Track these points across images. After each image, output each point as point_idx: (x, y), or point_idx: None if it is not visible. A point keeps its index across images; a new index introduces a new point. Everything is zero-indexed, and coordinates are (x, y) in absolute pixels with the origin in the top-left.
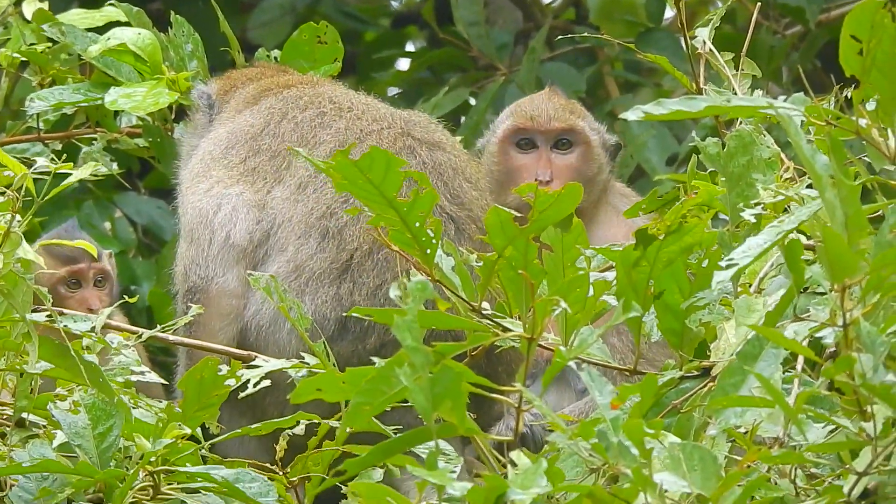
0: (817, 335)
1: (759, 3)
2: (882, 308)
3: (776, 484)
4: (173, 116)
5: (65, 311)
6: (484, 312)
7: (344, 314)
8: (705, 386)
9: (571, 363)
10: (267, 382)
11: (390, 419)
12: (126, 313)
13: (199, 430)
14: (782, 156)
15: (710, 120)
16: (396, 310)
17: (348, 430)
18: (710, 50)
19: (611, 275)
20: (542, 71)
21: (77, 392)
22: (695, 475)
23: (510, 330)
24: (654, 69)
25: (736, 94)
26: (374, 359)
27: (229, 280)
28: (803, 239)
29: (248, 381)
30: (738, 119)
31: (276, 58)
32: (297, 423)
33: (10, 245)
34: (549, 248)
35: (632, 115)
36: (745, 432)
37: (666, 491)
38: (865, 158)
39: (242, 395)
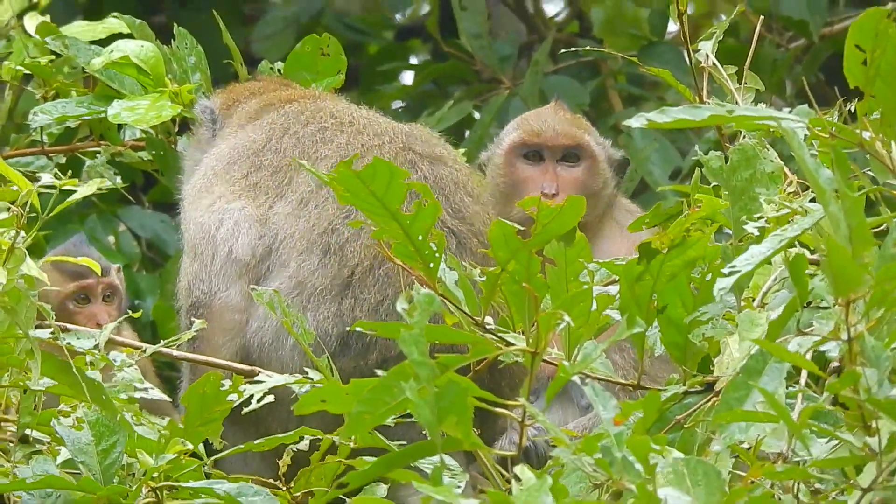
0: (821, 349)
1: (762, 17)
2: (886, 322)
3: (780, 500)
4: (177, 129)
5: (70, 326)
6: (487, 327)
7: (346, 330)
8: (709, 401)
9: (575, 378)
10: (270, 398)
11: (394, 435)
12: (132, 328)
13: (201, 446)
14: (785, 169)
15: (714, 134)
16: (402, 324)
17: (352, 446)
18: (713, 63)
19: (614, 289)
20: (546, 84)
21: (80, 408)
22: (699, 491)
23: (513, 344)
24: (658, 83)
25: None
26: (378, 371)
27: (232, 295)
28: (807, 253)
29: (251, 396)
30: (741, 133)
31: (279, 70)
32: (301, 438)
33: (14, 261)
34: (552, 261)
35: (635, 122)
36: (749, 448)
37: None
38: (869, 172)
39: (246, 410)
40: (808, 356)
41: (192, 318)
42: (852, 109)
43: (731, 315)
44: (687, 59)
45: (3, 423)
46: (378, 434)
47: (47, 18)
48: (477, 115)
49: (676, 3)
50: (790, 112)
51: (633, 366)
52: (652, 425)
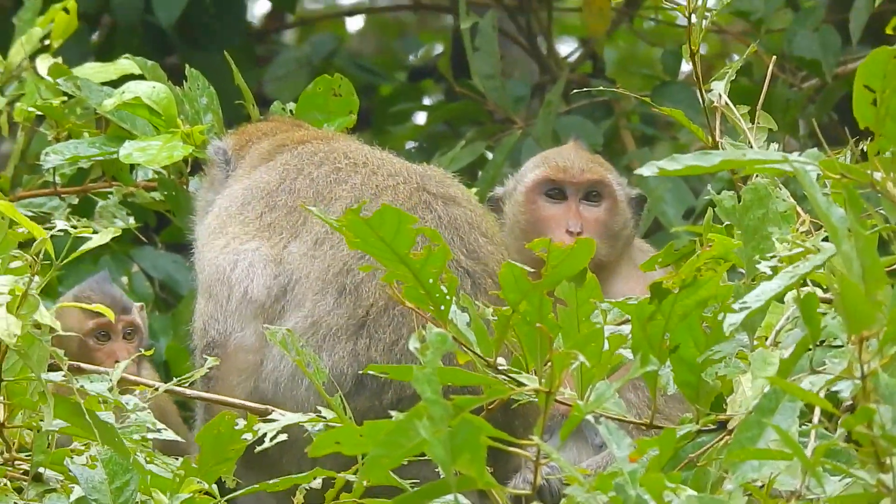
0: (833, 388)
1: (774, 57)
2: None
3: None
4: (189, 170)
5: (85, 366)
6: (500, 368)
7: (360, 371)
8: (722, 439)
9: (588, 417)
10: (284, 437)
11: (407, 473)
12: (153, 366)
13: (215, 485)
14: (798, 209)
15: (727, 173)
16: (414, 366)
17: (365, 484)
18: (726, 103)
19: (626, 329)
20: (559, 124)
21: (94, 447)
22: None
23: (526, 385)
24: (671, 122)
25: (752, 147)
26: (393, 412)
27: (247, 335)
28: (819, 292)
29: (264, 435)
30: (754, 173)
31: (291, 111)
32: (314, 478)
33: (27, 308)
34: (563, 302)
35: (647, 170)
36: (762, 486)
37: None
38: (881, 211)
39: (259, 448)
40: (821, 395)
41: (207, 359)
42: (864, 149)
43: (743, 354)
44: (700, 99)
45: (16, 462)
46: (392, 473)
47: (59, 60)
48: (490, 156)
49: (689, 44)
50: (801, 154)
51: (647, 404)
52: (666, 464)
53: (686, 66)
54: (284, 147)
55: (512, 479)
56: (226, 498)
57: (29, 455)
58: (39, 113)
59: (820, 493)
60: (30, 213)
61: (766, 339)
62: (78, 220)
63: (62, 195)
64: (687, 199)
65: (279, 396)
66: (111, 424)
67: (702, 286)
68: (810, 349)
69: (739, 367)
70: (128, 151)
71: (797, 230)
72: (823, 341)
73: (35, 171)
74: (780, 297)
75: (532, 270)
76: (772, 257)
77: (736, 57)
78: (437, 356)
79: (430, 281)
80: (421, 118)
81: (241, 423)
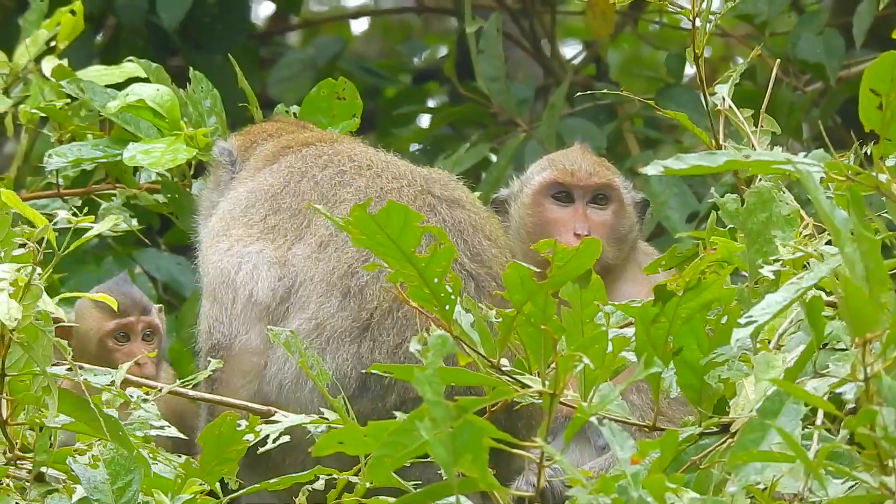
0: (837, 391)
1: (778, 60)
2: None
3: None
4: (192, 172)
5: (86, 366)
6: (503, 369)
7: (364, 372)
8: (724, 442)
9: (592, 419)
10: (286, 438)
11: (410, 475)
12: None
13: (217, 485)
14: (802, 212)
15: (730, 177)
16: (417, 366)
17: (368, 485)
18: (730, 106)
19: (630, 331)
20: (563, 127)
21: (96, 446)
22: None
23: (529, 386)
24: (675, 126)
25: (755, 150)
26: (396, 413)
27: (252, 338)
28: (823, 295)
29: (267, 436)
30: (757, 176)
31: (294, 114)
32: (316, 477)
33: (30, 298)
34: (567, 304)
35: (651, 169)
36: (765, 488)
37: None
38: (885, 215)
39: (261, 450)
40: (825, 398)
41: (212, 360)
42: (868, 152)
43: (746, 357)
44: (704, 102)
45: (18, 462)
46: (394, 475)
47: (64, 62)
48: (493, 158)
49: (693, 47)
50: (806, 156)
51: (651, 406)
52: (668, 466)
53: (690, 70)
54: (289, 149)
55: (515, 481)
56: (228, 498)
57: (32, 454)
58: (43, 115)
59: (823, 495)
60: None
61: (770, 342)
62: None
63: (65, 197)
64: (691, 203)
65: (283, 398)
66: (116, 419)
67: (705, 289)
68: (814, 353)
69: (742, 370)
70: (131, 154)
71: (800, 234)
72: (827, 344)
73: (38, 173)
74: (785, 310)
75: (537, 271)
76: (775, 261)
77: (740, 60)
78: (438, 358)
79: (435, 280)
80: (425, 121)
81: (244, 424)
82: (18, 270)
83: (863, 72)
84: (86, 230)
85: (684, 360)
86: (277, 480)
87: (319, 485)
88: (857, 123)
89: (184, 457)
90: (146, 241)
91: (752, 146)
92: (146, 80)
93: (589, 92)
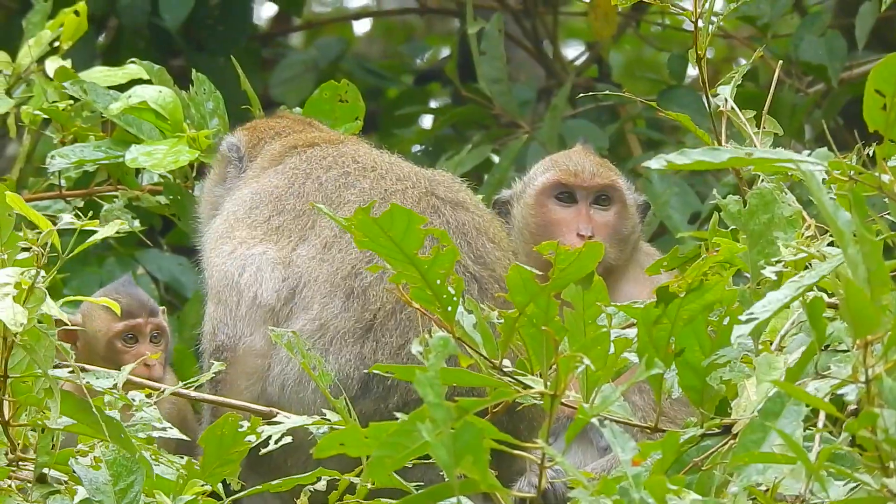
0: (839, 392)
1: (781, 61)
2: None
3: None
4: (194, 174)
5: (90, 367)
6: (505, 370)
7: (367, 373)
8: (726, 443)
9: (593, 420)
10: (288, 439)
11: (412, 476)
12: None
13: (220, 486)
14: (804, 213)
15: (733, 178)
16: (418, 367)
17: (369, 486)
18: (732, 108)
19: (632, 332)
20: (565, 128)
21: (98, 448)
22: None
23: (531, 387)
24: (677, 127)
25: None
26: (398, 414)
27: (256, 340)
28: (825, 297)
29: (269, 437)
30: (759, 177)
31: None
32: (318, 479)
33: (34, 301)
34: (569, 305)
35: (655, 163)
36: (767, 490)
37: None
38: (888, 217)
39: (264, 451)
40: (826, 399)
41: (215, 363)
42: (871, 154)
43: (748, 358)
44: (706, 103)
45: (20, 463)
46: (396, 476)
47: (67, 63)
48: (495, 159)
49: (696, 48)
50: (809, 156)
51: (653, 407)
52: (670, 467)
53: (692, 71)
54: (294, 149)
55: (517, 482)
56: (229, 499)
57: (34, 455)
58: (46, 116)
59: (824, 497)
60: None
61: (771, 343)
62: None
63: (67, 198)
64: (693, 204)
65: (285, 399)
66: (118, 421)
67: (707, 290)
68: (816, 354)
69: (744, 372)
70: (134, 156)
71: (802, 235)
72: (829, 345)
73: (41, 174)
74: (786, 307)
75: (540, 273)
76: (777, 262)
77: (742, 61)
78: (439, 359)
79: (438, 282)
80: (427, 122)
81: (245, 425)
82: (22, 274)
83: (865, 73)
84: (89, 233)
85: (686, 362)
86: (280, 482)
87: (321, 485)
88: (859, 125)
89: (186, 458)
90: (148, 242)
91: (755, 147)
92: (149, 82)
93: (591, 93)
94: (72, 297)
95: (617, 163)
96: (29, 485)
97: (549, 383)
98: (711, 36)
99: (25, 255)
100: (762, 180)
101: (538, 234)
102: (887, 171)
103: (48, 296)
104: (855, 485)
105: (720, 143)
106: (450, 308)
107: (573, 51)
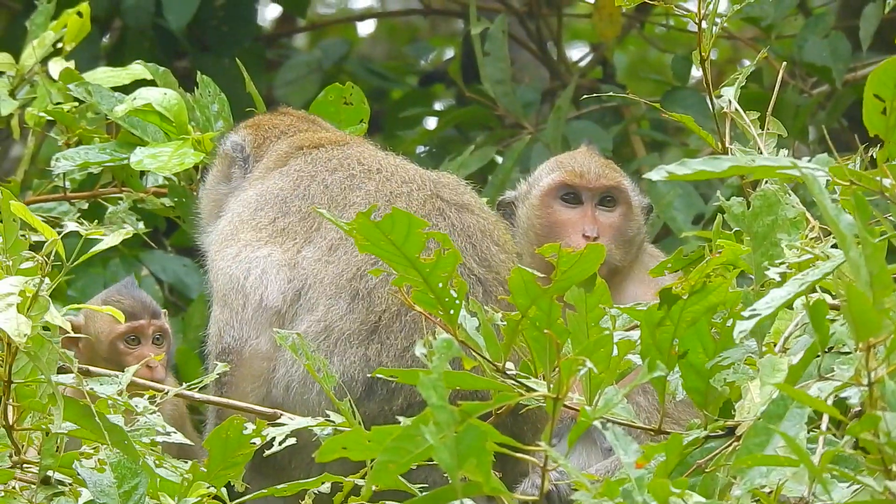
0: (842, 395)
1: (785, 63)
2: None
3: None
4: (199, 176)
5: (93, 369)
6: (508, 373)
7: (370, 375)
8: (730, 445)
9: (596, 423)
10: (292, 441)
11: (416, 478)
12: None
13: (224, 489)
14: (807, 215)
15: (736, 179)
16: (422, 370)
17: (373, 489)
18: (736, 109)
19: (635, 334)
20: (569, 129)
21: (103, 450)
22: None
23: (534, 390)
24: (681, 128)
25: (761, 153)
26: (401, 418)
27: (262, 342)
28: (828, 299)
29: (273, 439)
30: (763, 178)
31: None
32: (323, 483)
33: (37, 309)
34: (572, 307)
35: (656, 175)
36: (770, 492)
37: None
38: (890, 218)
39: (268, 453)
40: (829, 402)
41: (219, 364)
42: (874, 155)
43: (752, 360)
44: (710, 104)
45: (25, 465)
46: (400, 478)
47: (71, 65)
48: (499, 161)
49: (700, 49)
50: (810, 160)
51: (657, 408)
52: (673, 469)
53: (696, 72)
54: (299, 151)
55: (520, 485)
56: (234, 502)
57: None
58: (50, 118)
59: (827, 499)
60: (40, 218)
61: (775, 345)
62: (88, 225)
63: (72, 200)
64: (697, 205)
65: (290, 401)
66: (121, 427)
67: (711, 292)
68: (818, 356)
69: (748, 374)
70: (139, 158)
71: (806, 237)
72: (832, 348)
73: (45, 176)
74: (789, 305)
75: (543, 276)
76: (781, 264)
77: (746, 63)
78: (443, 362)
79: (440, 285)
80: (431, 123)
81: (250, 427)
82: (26, 283)
83: (869, 75)
84: (95, 241)
85: (690, 364)
86: (284, 486)
87: (325, 488)
88: (863, 126)
89: (189, 462)
90: (152, 243)
91: (758, 149)
92: (153, 83)
93: (595, 94)
94: (76, 306)
95: (621, 164)
96: (33, 487)
97: (552, 386)
98: (715, 37)
99: (29, 264)
100: (766, 182)
101: (543, 234)
102: (888, 175)
103: (52, 304)
104: (858, 487)
105: (724, 145)
106: (452, 311)
107: (577, 52)
